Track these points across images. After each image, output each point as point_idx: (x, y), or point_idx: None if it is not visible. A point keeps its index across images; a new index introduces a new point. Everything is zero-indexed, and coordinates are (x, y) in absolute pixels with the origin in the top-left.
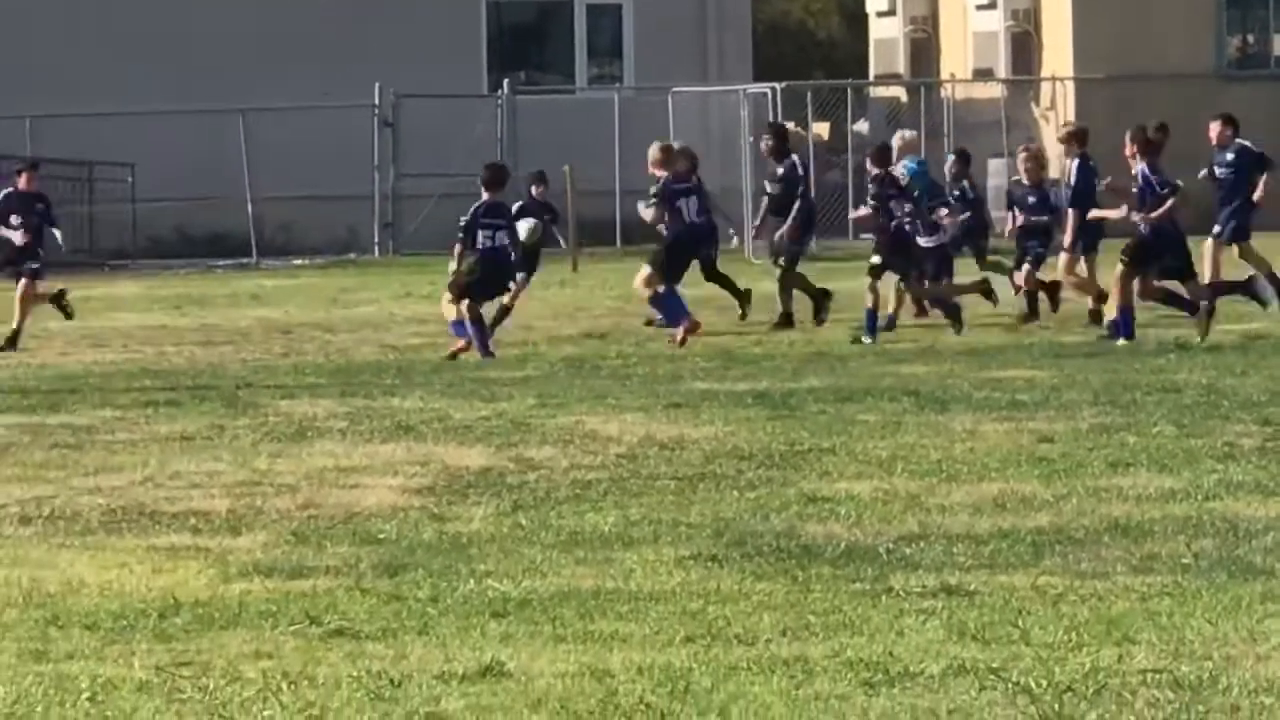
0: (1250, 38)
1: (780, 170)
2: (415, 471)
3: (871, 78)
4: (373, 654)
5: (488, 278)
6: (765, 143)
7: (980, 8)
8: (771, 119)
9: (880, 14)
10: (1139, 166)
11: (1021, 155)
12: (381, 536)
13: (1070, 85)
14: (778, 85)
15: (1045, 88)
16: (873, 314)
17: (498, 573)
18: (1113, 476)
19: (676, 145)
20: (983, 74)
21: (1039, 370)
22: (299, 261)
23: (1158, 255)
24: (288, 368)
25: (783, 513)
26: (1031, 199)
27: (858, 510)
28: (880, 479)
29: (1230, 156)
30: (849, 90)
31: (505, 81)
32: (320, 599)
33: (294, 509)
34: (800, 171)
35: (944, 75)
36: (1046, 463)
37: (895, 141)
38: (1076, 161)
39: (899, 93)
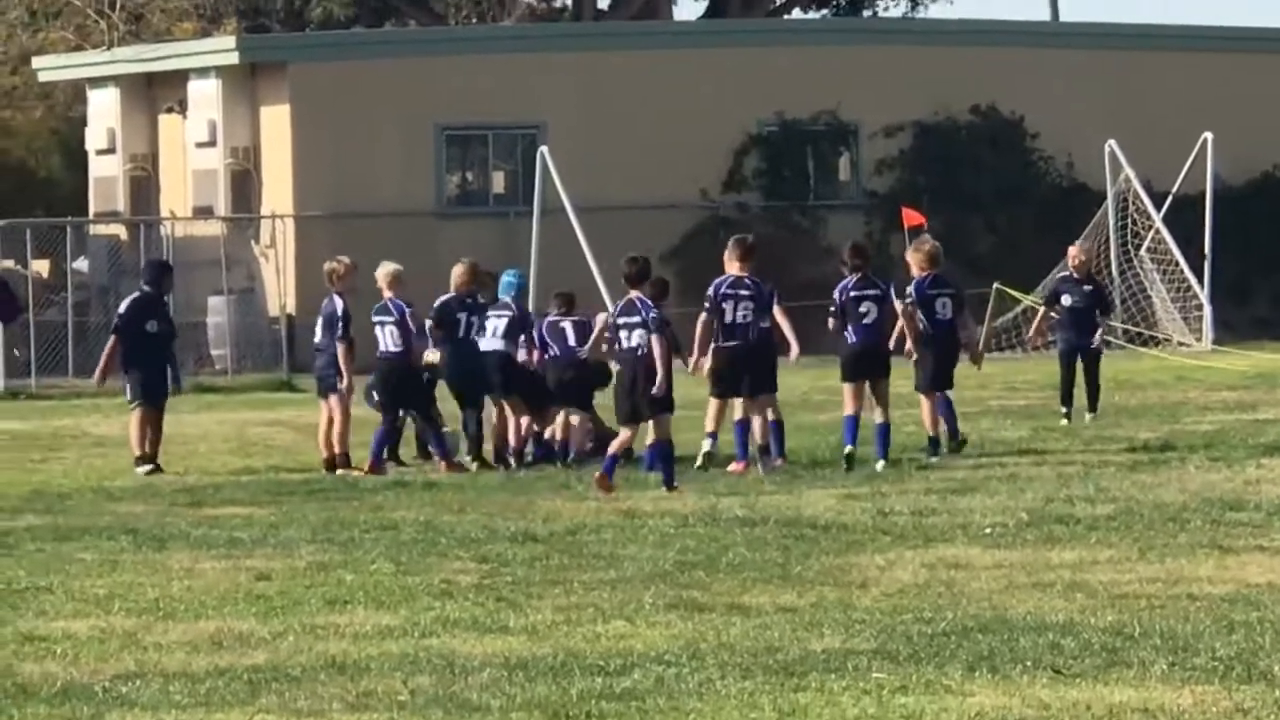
0: (469, 175)
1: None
2: None
3: (91, 215)
4: None
5: None
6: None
7: (200, 145)
8: None
9: (100, 152)
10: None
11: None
12: None
13: (290, 223)
14: None
15: (265, 225)
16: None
17: None
18: (330, 614)
19: None
20: (203, 211)
21: (257, 508)
22: None
23: None
24: None
25: None
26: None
27: (75, 649)
28: (98, 617)
29: None
30: (69, 228)
31: None
32: None
33: None
34: None
35: (164, 213)
36: (264, 600)
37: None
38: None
39: (119, 230)
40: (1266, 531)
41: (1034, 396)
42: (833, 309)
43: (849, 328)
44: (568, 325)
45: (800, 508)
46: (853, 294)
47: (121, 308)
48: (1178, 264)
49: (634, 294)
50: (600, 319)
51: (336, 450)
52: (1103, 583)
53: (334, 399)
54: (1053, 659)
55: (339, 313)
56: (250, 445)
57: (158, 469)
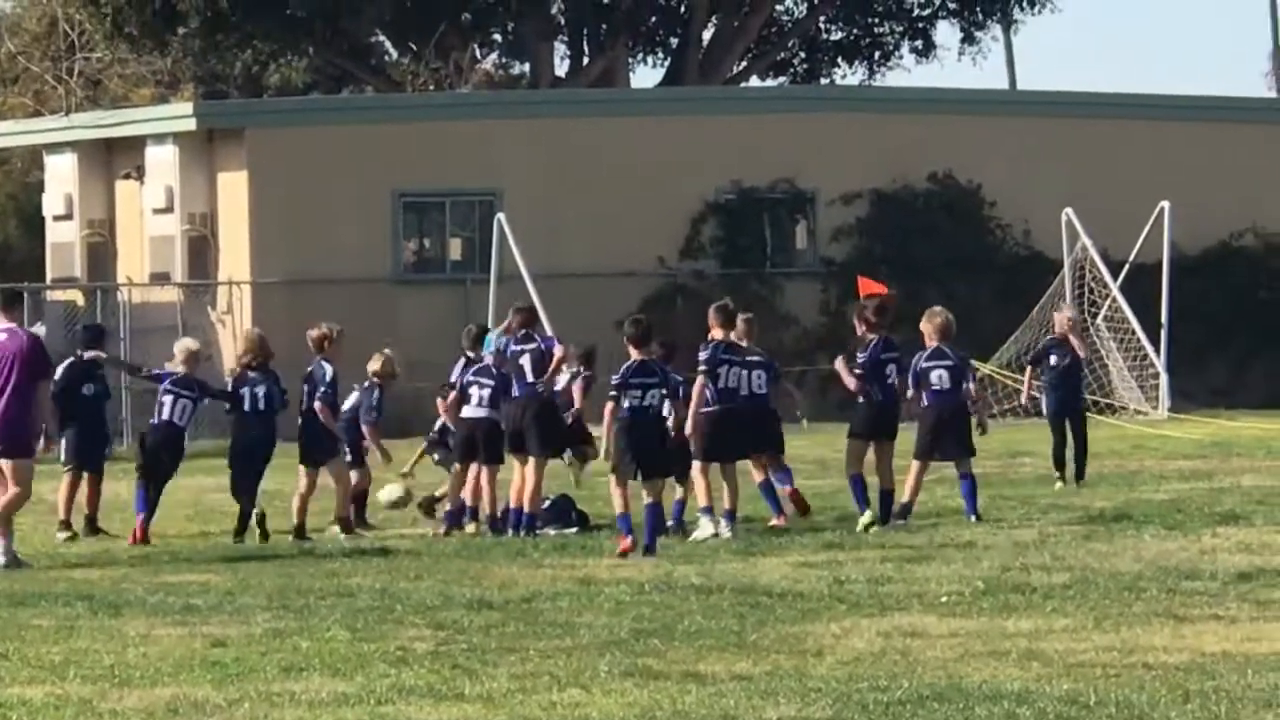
0: (426, 242)
1: None
2: None
3: (48, 281)
4: None
5: None
6: None
7: (157, 211)
8: None
9: (57, 218)
10: None
11: None
12: None
13: (247, 289)
14: None
15: (222, 291)
16: None
17: None
18: (286, 681)
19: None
20: (160, 277)
21: (213, 574)
22: None
23: None
24: None
25: None
26: None
27: (30, 716)
28: (53, 684)
29: None
30: (25, 294)
31: None
32: None
33: None
34: None
35: (121, 278)
36: (220, 667)
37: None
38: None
39: (76, 296)
40: (1222, 601)
41: (990, 465)
42: (859, 372)
43: (873, 388)
44: (526, 360)
45: (756, 575)
46: (882, 356)
47: (57, 374)
48: (1134, 332)
49: (640, 355)
50: (559, 350)
51: (339, 514)
52: (1058, 651)
53: (332, 464)
54: None
55: (329, 378)
56: (207, 511)
57: (100, 532)
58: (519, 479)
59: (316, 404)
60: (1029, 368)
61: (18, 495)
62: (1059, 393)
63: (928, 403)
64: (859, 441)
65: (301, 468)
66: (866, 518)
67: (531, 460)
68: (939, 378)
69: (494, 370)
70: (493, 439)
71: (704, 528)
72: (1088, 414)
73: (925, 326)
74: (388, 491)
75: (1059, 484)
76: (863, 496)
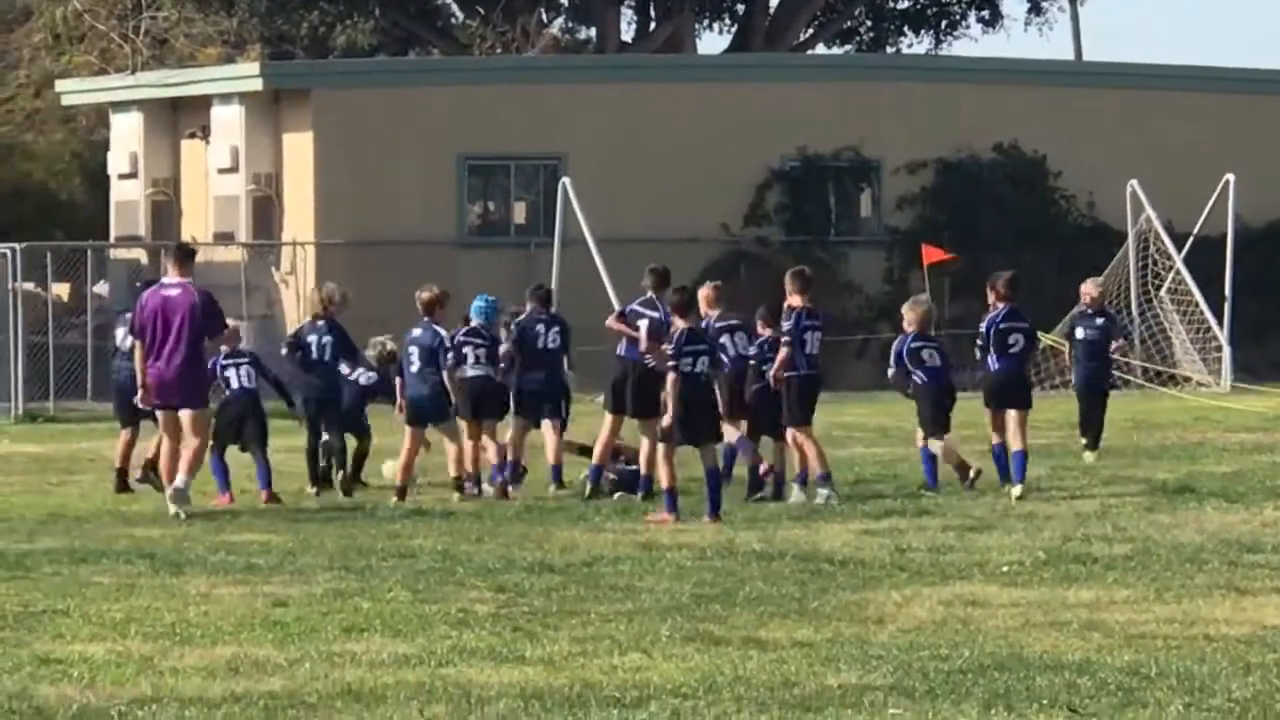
0: (491, 205)
1: None
2: None
3: (112, 239)
4: None
5: None
6: None
7: (222, 171)
8: (12, 280)
9: (122, 176)
10: None
11: None
12: None
13: (311, 250)
14: (17, 246)
15: (286, 252)
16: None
17: None
18: (346, 641)
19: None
20: (224, 237)
21: (275, 534)
22: None
23: None
24: None
25: (15, 674)
26: None
27: (91, 672)
28: (115, 641)
29: None
30: (89, 251)
31: None
32: None
33: None
34: None
35: (185, 238)
36: (281, 626)
37: None
38: None
39: (140, 254)
40: None
41: (1053, 435)
42: (979, 341)
43: (994, 356)
44: (644, 325)
45: (818, 543)
46: (1001, 325)
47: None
48: (1198, 305)
49: (687, 324)
50: (643, 325)
51: (469, 470)
52: (1119, 622)
53: (444, 426)
54: (1069, 698)
55: (447, 342)
56: None
57: (129, 490)
58: (606, 434)
59: (440, 369)
60: (1066, 343)
61: (198, 448)
62: (1085, 366)
63: (925, 380)
64: (992, 411)
65: (408, 428)
66: (1015, 490)
67: (641, 424)
68: (930, 355)
69: (483, 332)
70: (491, 396)
71: (822, 493)
72: (1108, 390)
73: (908, 314)
74: (389, 467)
75: (1088, 454)
76: (1005, 463)
